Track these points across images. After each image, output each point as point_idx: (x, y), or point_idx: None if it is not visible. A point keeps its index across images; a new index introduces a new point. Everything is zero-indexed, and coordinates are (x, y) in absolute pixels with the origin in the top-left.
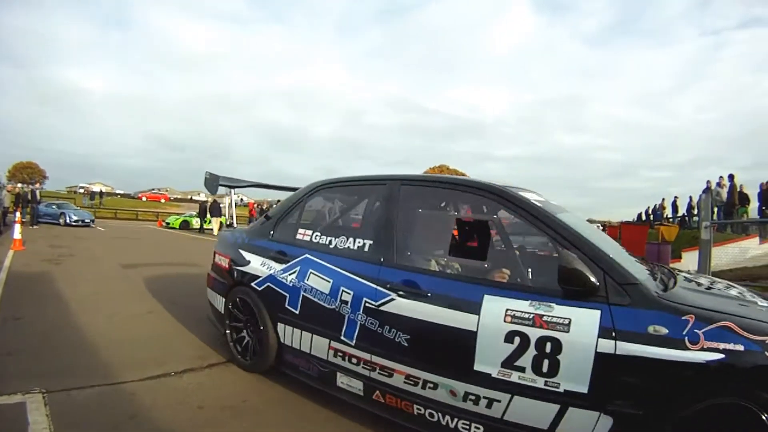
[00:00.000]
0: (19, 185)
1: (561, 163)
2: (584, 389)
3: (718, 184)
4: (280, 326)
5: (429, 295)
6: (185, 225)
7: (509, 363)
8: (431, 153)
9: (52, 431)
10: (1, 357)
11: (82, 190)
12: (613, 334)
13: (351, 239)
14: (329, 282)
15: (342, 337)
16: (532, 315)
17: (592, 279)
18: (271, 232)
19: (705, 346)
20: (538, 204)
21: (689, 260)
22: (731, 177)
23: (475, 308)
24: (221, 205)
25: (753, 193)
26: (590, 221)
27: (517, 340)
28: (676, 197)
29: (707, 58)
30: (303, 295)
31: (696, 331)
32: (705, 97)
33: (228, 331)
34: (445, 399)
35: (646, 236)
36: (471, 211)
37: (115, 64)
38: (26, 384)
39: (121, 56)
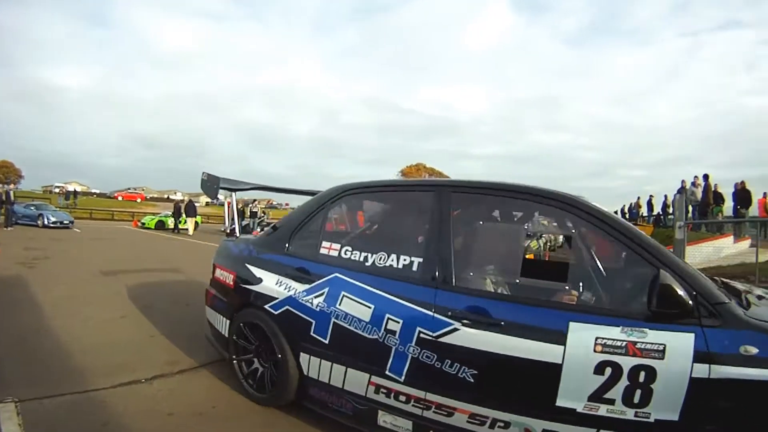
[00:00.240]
0: None
1: (538, 161)
2: (675, 417)
3: (693, 184)
4: (304, 357)
5: (503, 324)
6: (161, 225)
7: (597, 396)
8: (408, 152)
9: None
10: None
11: (57, 190)
12: (708, 357)
13: (393, 256)
14: (370, 308)
15: (387, 372)
16: (624, 343)
17: (689, 301)
18: (286, 245)
19: None
20: (616, 216)
21: None
22: (706, 177)
23: (559, 338)
24: (196, 204)
25: (727, 192)
26: None
27: (608, 371)
28: (651, 196)
29: (684, 59)
30: (334, 323)
31: None
32: (681, 97)
33: (235, 361)
34: None
35: None
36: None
37: (93, 61)
38: None
39: (98, 53)
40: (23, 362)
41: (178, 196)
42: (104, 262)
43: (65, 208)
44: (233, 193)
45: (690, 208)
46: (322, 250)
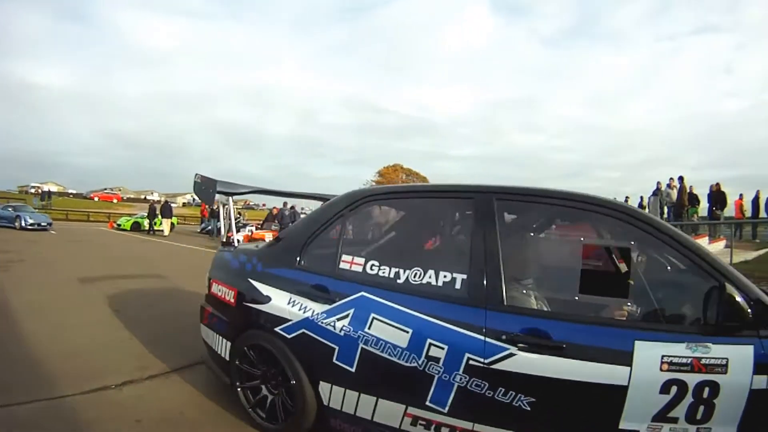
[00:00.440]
0: None
1: (515, 162)
2: (733, 430)
3: (669, 186)
4: (324, 385)
5: (564, 346)
6: (136, 227)
7: (661, 415)
8: (386, 152)
9: None
10: None
11: (33, 190)
12: (766, 368)
13: (431, 272)
14: (407, 332)
15: (428, 403)
16: (689, 359)
17: (750, 313)
18: (297, 258)
19: None
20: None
21: None
22: (681, 179)
23: (625, 358)
24: (173, 205)
25: (703, 193)
26: None
27: (674, 389)
28: (627, 197)
29: (661, 62)
30: (363, 349)
31: None
32: (658, 100)
33: (240, 389)
34: None
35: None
36: (589, 233)
37: (71, 59)
38: None
39: (76, 51)
40: None
41: (155, 197)
42: (79, 265)
43: (41, 209)
44: (230, 198)
45: (665, 210)
46: (343, 265)
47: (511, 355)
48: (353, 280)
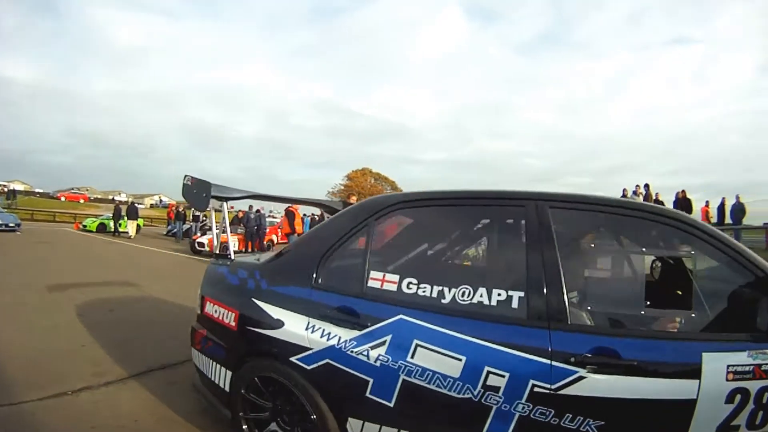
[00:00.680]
0: None
1: (483, 167)
2: None
3: (635, 193)
4: (354, 422)
5: (635, 364)
6: (102, 228)
7: (725, 425)
8: (356, 155)
9: None
10: None
11: None
12: None
13: (482, 290)
14: (460, 360)
15: None
16: (751, 367)
17: None
18: (314, 276)
19: None
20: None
21: None
22: (647, 186)
23: (694, 372)
24: (139, 207)
25: (669, 200)
26: None
27: (738, 398)
28: None
29: (631, 71)
30: (404, 380)
31: None
32: (627, 107)
33: (245, 426)
34: None
35: None
36: (648, 244)
37: (38, 53)
38: None
39: (45, 45)
40: None
41: (123, 197)
42: (42, 268)
43: (7, 209)
44: (224, 203)
45: None
46: (372, 283)
47: (580, 378)
48: (387, 301)
